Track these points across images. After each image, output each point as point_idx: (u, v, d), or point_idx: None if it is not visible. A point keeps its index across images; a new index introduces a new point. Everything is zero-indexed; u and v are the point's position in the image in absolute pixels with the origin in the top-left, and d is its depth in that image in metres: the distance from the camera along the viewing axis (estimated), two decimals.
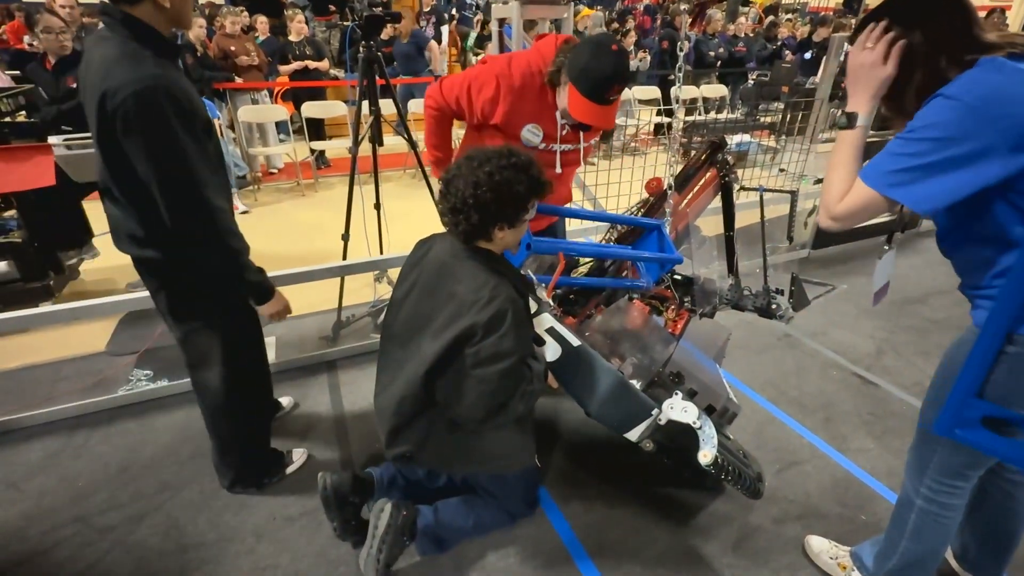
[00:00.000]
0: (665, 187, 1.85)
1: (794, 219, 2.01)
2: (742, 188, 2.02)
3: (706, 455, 1.32)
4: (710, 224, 1.98)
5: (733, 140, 5.08)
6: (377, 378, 1.52)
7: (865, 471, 1.99)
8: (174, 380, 2.33)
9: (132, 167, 1.25)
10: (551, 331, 1.42)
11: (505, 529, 1.68)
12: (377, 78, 2.45)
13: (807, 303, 1.86)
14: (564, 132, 1.71)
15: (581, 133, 1.75)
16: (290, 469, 1.94)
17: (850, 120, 1.10)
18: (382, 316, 1.63)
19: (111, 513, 1.79)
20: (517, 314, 1.28)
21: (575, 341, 1.39)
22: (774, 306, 1.82)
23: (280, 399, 2.23)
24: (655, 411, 1.38)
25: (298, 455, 1.99)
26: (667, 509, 1.82)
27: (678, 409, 1.37)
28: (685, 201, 1.86)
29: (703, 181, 1.90)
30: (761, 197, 1.94)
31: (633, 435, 1.40)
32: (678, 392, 1.42)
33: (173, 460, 1.99)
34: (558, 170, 1.80)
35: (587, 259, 1.97)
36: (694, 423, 1.35)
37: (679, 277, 1.90)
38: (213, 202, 1.31)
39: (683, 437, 1.39)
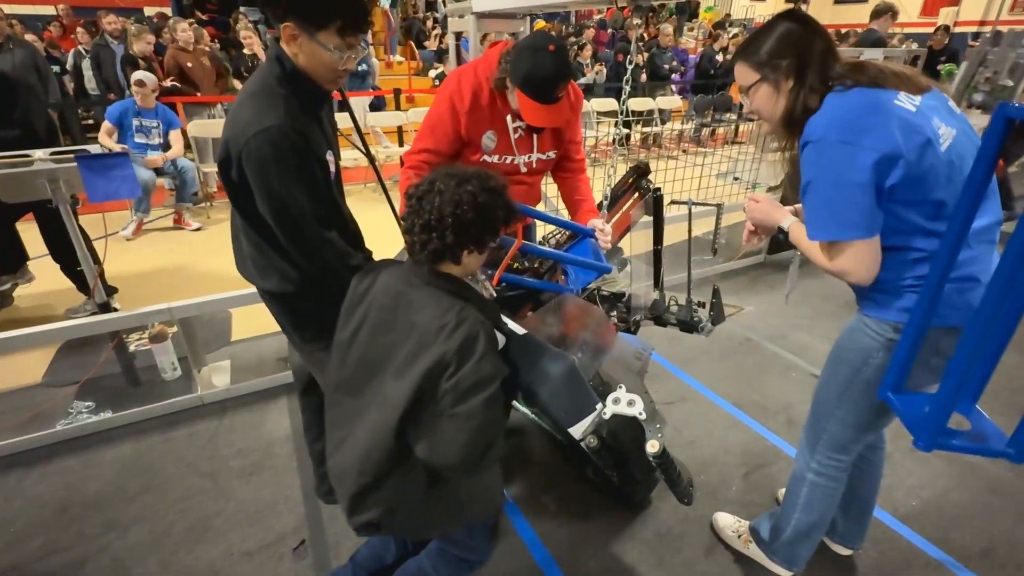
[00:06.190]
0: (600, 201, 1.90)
1: (719, 232, 2.07)
2: (673, 202, 2.08)
3: (654, 445, 1.31)
4: (642, 238, 2.02)
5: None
6: (327, 436, 1.29)
7: None
8: (118, 411, 2.19)
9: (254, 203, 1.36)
10: None
11: None
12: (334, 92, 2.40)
13: (723, 319, 1.90)
14: (518, 136, 1.74)
15: (535, 137, 1.77)
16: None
17: (783, 231, 1.32)
18: None
19: (50, 558, 1.66)
20: (489, 336, 1.15)
21: (520, 330, 1.36)
22: (695, 319, 1.85)
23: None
24: (599, 406, 1.35)
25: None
26: (637, 521, 1.82)
27: (624, 402, 1.33)
28: (612, 222, 1.89)
29: (627, 205, 1.96)
30: (690, 210, 1.99)
31: (577, 431, 1.37)
32: (621, 385, 1.39)
33: (120, 497, 1.87)
34: (523, 169, 1.80)
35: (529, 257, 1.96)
36: (640, 415, 1.34)
37: (606, 292, 1.91)
38: (323, 235, 1.40)
39: (627, 431, 1.38)
